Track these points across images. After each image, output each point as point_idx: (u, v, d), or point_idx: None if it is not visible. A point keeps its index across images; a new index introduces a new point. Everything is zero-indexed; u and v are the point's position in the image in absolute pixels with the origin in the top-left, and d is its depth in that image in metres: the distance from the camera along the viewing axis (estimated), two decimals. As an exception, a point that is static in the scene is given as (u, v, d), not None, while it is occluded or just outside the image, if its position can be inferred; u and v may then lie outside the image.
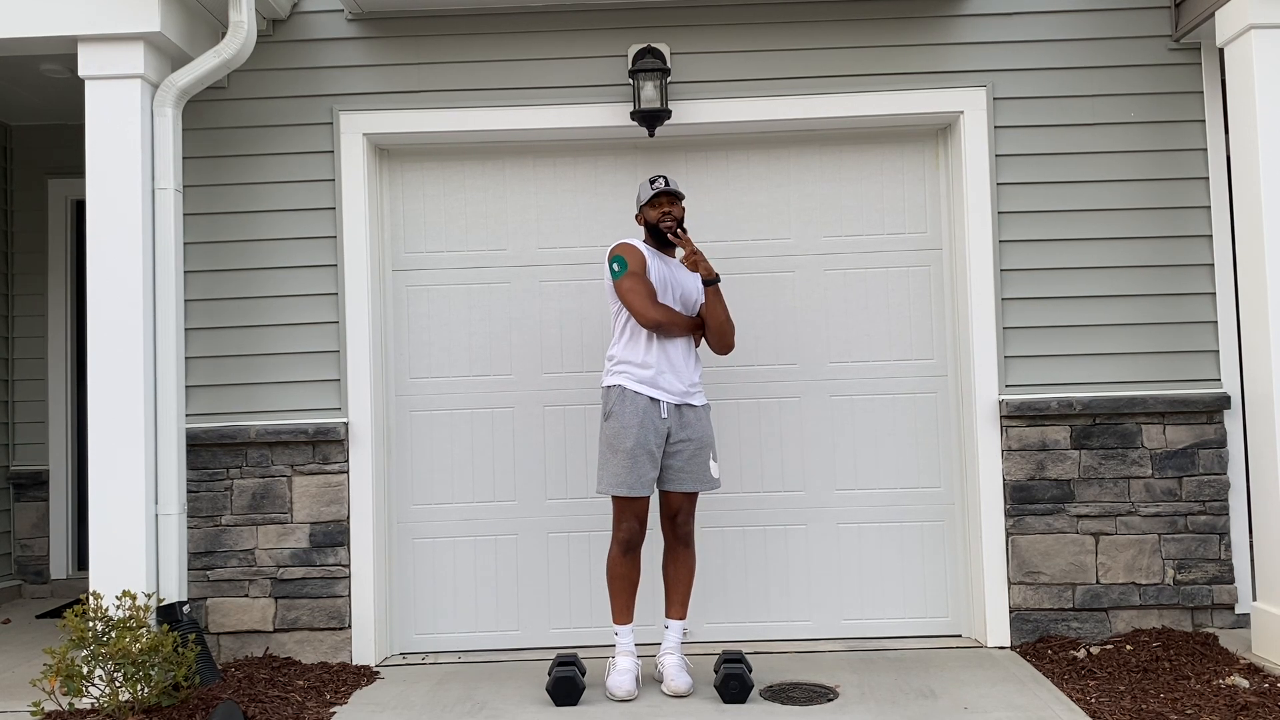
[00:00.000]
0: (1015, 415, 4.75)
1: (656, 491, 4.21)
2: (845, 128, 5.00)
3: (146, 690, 3.83)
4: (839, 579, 4.97)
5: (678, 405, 4.13)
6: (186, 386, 4.60)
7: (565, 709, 3.97)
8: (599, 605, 4.83)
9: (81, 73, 4.35)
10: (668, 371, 4.11)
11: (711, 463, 4.18)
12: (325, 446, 4.79)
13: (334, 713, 4.01)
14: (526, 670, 4.53)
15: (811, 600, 4.97)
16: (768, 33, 4.90)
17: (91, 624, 3.88)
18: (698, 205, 4.97)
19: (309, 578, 4.76)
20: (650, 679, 4.26)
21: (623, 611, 4.16)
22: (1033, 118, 4.85)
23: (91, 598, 4.03)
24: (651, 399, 4.09)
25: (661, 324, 4.06)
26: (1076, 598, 4.74)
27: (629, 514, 4.09)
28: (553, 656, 4.25)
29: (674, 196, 4.21)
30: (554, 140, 5.03)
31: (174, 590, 4.33)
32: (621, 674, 4.06)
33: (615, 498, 4.11)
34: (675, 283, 4.20)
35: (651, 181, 4.21)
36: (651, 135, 4.84)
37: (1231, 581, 4.73)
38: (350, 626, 4.75)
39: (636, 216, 4.30)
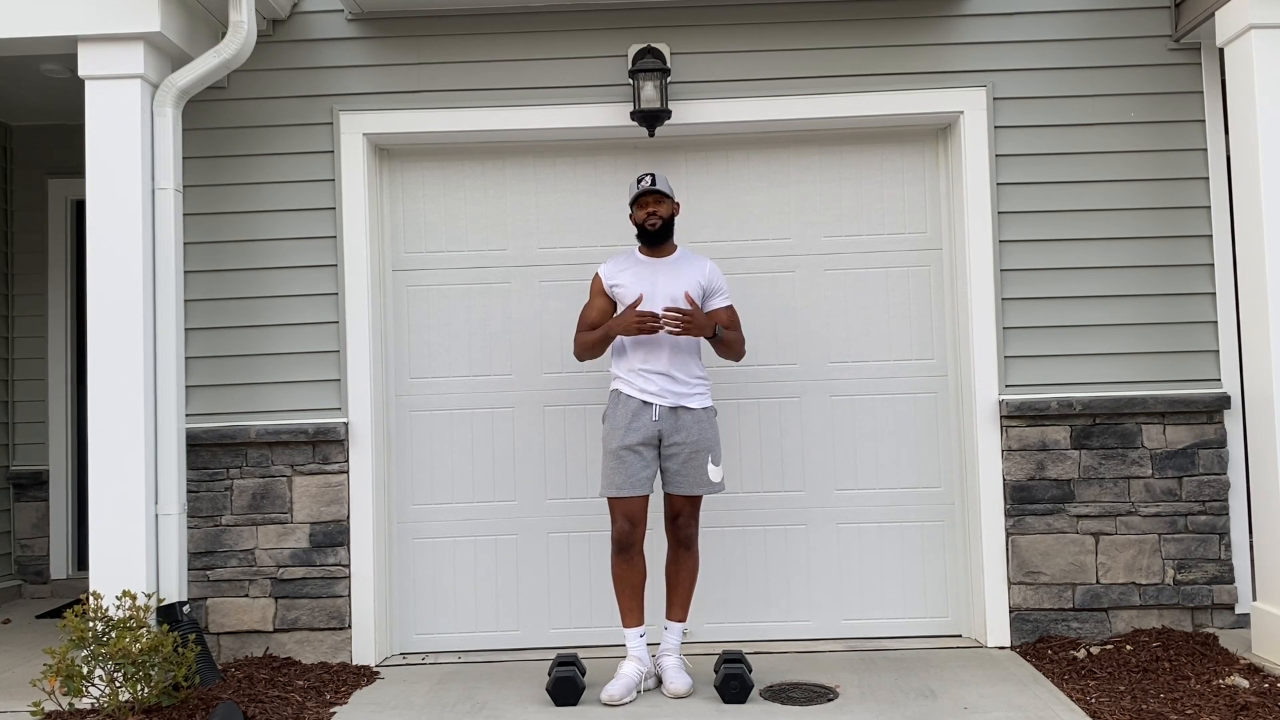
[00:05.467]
0: (1015, 415, 4.75)
1: (661, 495, 4.22)
2: (845, 128, 5.00)
3: (146, 690, 3.84)
4: (839, 579, 4.97)
5: (672, 408, 4.12)
6: (186, 386, 4.60)
7: (565, 709, 3.97)
8: (599, 605, 4.83)
9: (81, 73, 4.35)
10: (657, 374, 4.11)
11: (711, 466, 4.15)
12: (325, 446, 4.79)
13: (334, 713, 4.01)
14: (526, 670, 4.53)
15: (811, 600, 4.97)
16: (768, 33, 4.90)
17: (91, 624, 3.88)
18: (698, 205, 4.98)
19: (309, 578, 4.77)
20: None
21: (626, 613, 4.15)
22: (1033, 118, 4.85)
23: (91, 598, 4.03)
24: (643, 402, 4.10)
25: (578, 358, 4.30)
26: (1076, 598, 4.74)
27: (618, 514, 4.10)
28: (553, 656, 4.24)
29: (659, 196, 4.18)
30: (554, 140, 5.03)
31: (174, 590, 4.33)
32: (615, 680, 4.05)
33: (606, 498, 4.13)
34: (663, 289, 4.16)
35: (639, 180, 4.20)
36: (651, 135, 4.84)
37: (1231, 581, 4.73)
38: (350, 626, 4.75)
39: (630, 217, 4.29)
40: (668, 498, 4.20)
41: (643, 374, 4.12)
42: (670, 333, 4.04)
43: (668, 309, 4.03)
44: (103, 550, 4.22)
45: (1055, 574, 4.74)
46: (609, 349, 4.26)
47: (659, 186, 4.17)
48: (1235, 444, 4.76)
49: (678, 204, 4.30)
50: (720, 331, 4.17)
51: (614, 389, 4.20)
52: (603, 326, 4.17)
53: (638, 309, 4.07)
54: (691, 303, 4.11)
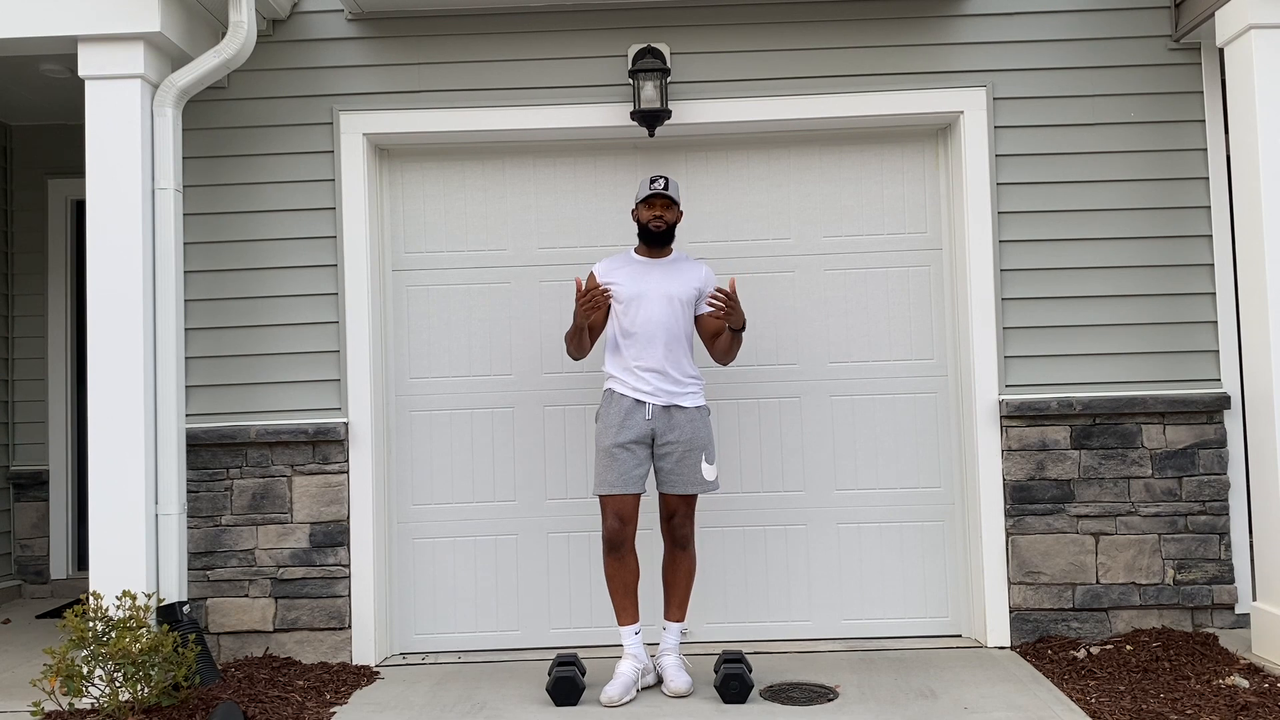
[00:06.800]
0: (1015, 415, 4.75)
1: (656, 495, 4.22)
2: (845, 128, 5.00)
3: (146, 690, 3.84)
4: (839, 579, 4.97)
5: (665, 406, 4.13)
6: (186, 386, 4.60)
7: (565, 709, 3.97)
8: (599, 605, 4.83)
9: (81, 73, 4.35)
10: (649, 373, 4.12)
11: (705, 465, 4.15)
12: (325, 446, 4.79)
13: (334, 713, 4.01)
14: (526, 670, 4.53)
15: (811, 600, 4.97)
16: (768, 33, 4.90)
17: (91, 624, 3.88)
18: (698, 205, 4.98)
19: (309, 578, 4.76)
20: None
21: (620, 612, 4.16)
22: (1033, 118, 4.85)
23: (91, 598, 4.03)
24: (637, 400, 4.11)
25: (570, 356, 4.28)
26: (1076, 598, 4.74)
27: (608, 512, 4.10)
28: (553, 656, 4.25)
29: (668, 201, 4.21)
30: (554, 140, 5.03)
31: (174, 590, 4.33)
32: (613, 681, 4.04)
33: (598, 496, 4.13)
34: (658, 289, 4.17)
35: (651, 180, 4.22)
36: (651, 135, 4.84)
37: (1231, 581, 4.73)
38: (350, 626, 4.75)
39: (632, 213, 4.31)
40: (663, 497, 4.20)
41: (636, 372, 4.13)
42: (714, 318, 4.12)
43: (715, 293, 4.01)
44: (103, 550, 4.22)
45: (1055, 574, 4.74)
46: (604, 347, 4.27)
47: (670, 192, 4.19)
48: (1235, 444, 4.76)
49: (681, 212, 4.32)
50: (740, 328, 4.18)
51: (607, 388, 4.21)
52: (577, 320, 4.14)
53: (583, 289, 4.04)
54: (734, 292, 4.04)
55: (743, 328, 4.15)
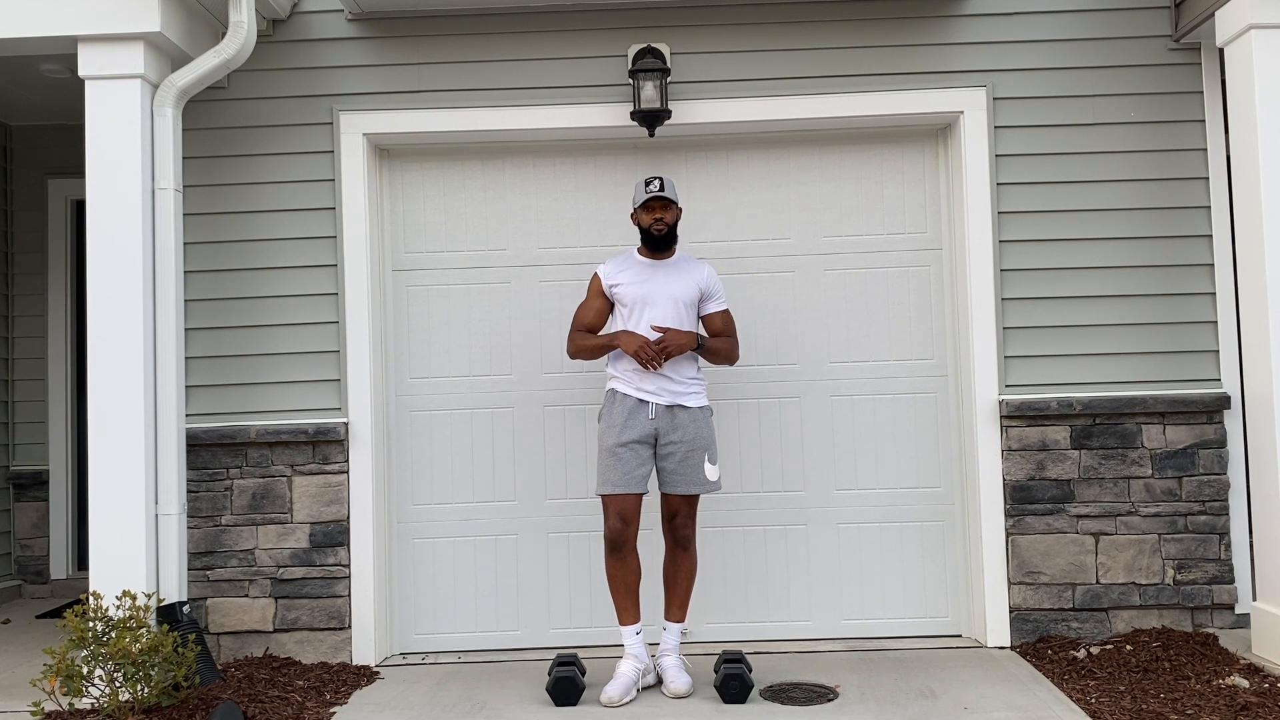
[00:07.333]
0: (1015, 415, 4.75)
1: (658, 495, 4.22)
2: (845, 128, 5.00)
3: (146, 690, 3.84)
4: (839, 579, 4.97)
5: (668, 406, 4.13)
6: (186, 386, 4.60)
7: (565, 709, 3.97)
8: (599, 605, 4.83)
9: (81, 73, 4.35)
10: (654, 373, 4.12)
11: (708, 465, 4.16)
12: (325, 446, 4.79)
13: (334, 713, 4.01)
14: (526, 670, 4.53)
15: (811, 600, 4.97)
16: (768, 33, 4.90)
17: (91, 624, 3.88)
18: (698, 205, 4.98)
19: (309, 578, 4.77)
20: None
21: (621, 612, 4.15)
22: (1033, 118, 4.85)
23: (91, 598, 4.03)
24: (640, 400, 4.12)
25: (571, 356, 4.34)
26: (1076, 598, 4.74)
27: (611, 512, 4.10)
28: (553, 656, 4.25)
29: (666, 202, 4.20)
30: (554, 140, 5.03)
31: (174, 590, 4.33)
32: (613, 682, 4.04)
33: (600, 495, 4.13)
34: (662, 291, 4.18)
35: (646, 184, 4.21)
36: (651, 135, 4.84)
37: (1231, 581, 4.73)
38: (350, 626, 4.75)
39: (631, 216, 4.31)
40: (665, 498, 4.20)
41: (640, 373, 4.13)
42: (651, 368, 4.07)
43: (641, 346, 4.04)
44: (103, 550, 4.22)
45: (1055, 574, 4.74)
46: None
47: (667, 192, 4.19)
48: (1235, 444, 4.76)
49: (680, 209, 4.31)
50: (705, 341, 4.19)
51: (610, 388, 4.22)
52: (609, 335, 4.20)
53: (645, 339, 4.07)
54: (660, 330, 4.10)
55: (697, 346, 4.15)
